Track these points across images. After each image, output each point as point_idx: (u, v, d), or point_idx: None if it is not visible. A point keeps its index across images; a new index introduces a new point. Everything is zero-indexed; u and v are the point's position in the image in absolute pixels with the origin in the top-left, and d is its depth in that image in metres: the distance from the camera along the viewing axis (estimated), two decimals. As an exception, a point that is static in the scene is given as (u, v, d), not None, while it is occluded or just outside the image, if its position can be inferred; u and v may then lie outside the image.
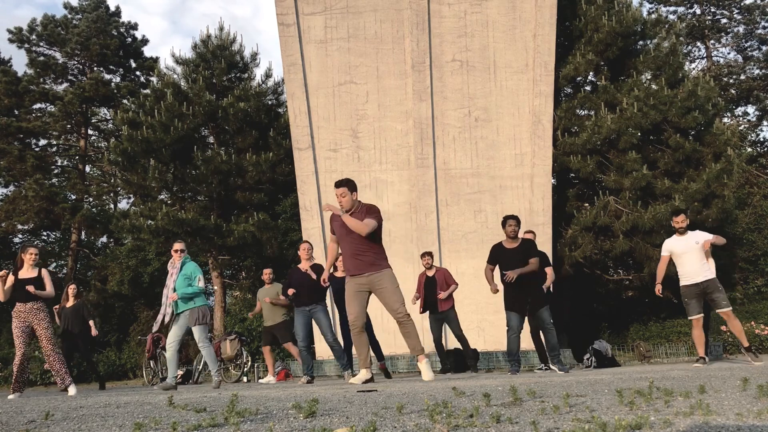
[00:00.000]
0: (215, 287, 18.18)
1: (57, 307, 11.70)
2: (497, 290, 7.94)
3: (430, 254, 10.28)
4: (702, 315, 8.14)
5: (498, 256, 8.03)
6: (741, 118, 26.52)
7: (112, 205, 27.01)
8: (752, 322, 15.56)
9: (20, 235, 26.01)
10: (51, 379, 16.11)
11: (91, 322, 11.74)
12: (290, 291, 8.41)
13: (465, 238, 13.44)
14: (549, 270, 9.06)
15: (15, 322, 7.98)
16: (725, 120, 23.35)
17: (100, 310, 19.94)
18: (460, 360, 10.91)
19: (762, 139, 26.75)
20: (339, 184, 6.47)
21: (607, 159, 15.06)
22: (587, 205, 15.37)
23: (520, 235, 8.34)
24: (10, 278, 8.01)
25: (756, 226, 18.99)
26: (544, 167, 13.64)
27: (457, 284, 10.11)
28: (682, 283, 8.16)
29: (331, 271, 8.59)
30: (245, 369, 12.97)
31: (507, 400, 3.25)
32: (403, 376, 11.65)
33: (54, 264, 27.94)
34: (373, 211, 6.45)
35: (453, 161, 13.75)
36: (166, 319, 8.28)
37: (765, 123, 26.45)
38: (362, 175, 13.78)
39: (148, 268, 20.02)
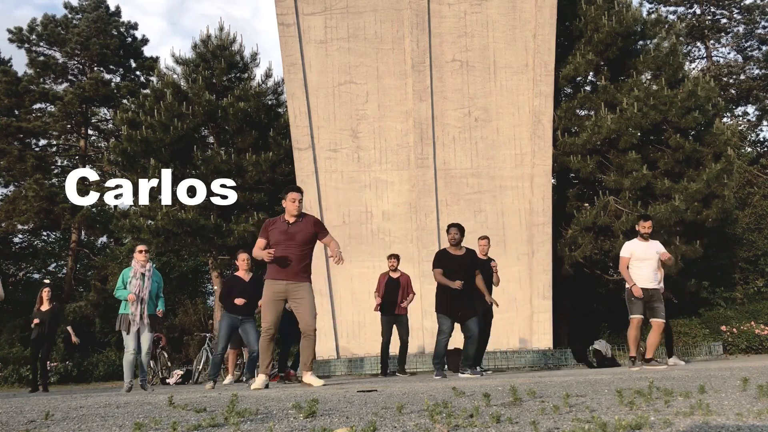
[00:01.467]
0: (215, 287, 18.17)
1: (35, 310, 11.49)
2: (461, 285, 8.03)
3: (396, 257, 10.77)
4: (642, 317, 8.29)
5: (445, 261, 8.26)
6: (741, 118, 26.51)
7: (112, 205, 26.97)
8: (752, 322, 15.57)
9: (20, 235, 26.02)
10: (51, 380, 16.08)
11: (69, 329, 11.80)
12: (239, 300, 8.48)
13: (465, 238, 13.42)
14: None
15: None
16: (725, 120, 23.33)
17: (100, 310, 19.92)
18: (455, 361, 10.96)
19: (762, 139, 26.76)
20: (298, 189, 6.75)
21: (607, 159, 15.05)
22: (587, 205, 15.37)
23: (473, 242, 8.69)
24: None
25: (756, 226, 18.99)
26: (544, 167, 13.64)
27: (414, 293, 10.67)
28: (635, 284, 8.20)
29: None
30: (245, 369, 12.97)
31: (507, 400, 3.25)
32: (403, 376, 11.65)
33: (54, 264, 27.95)
34: (322, 224, 6.87)
35: (453, 161, 13.75)
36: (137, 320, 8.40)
37: (765, 123, 26.45)
38: (362, 175, 13.78)
39: (148, 268, 20.00)
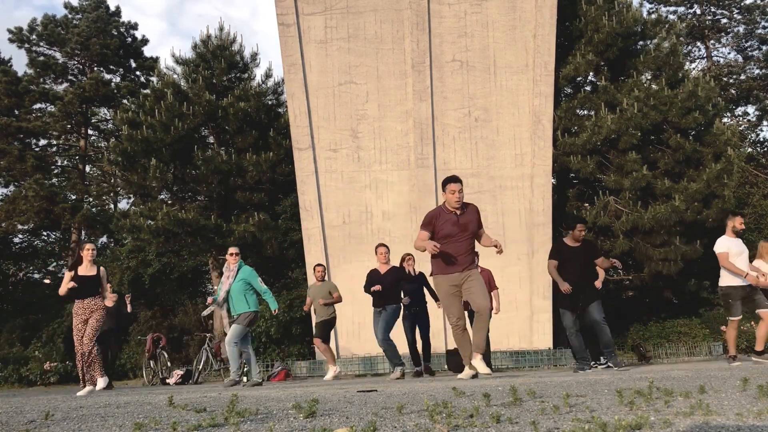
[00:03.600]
0: (215, 287, 18.16)
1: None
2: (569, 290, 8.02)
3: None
4: (741, 317, 8.39)
5: (562, 253, 8.25)
6: (741, 118, 26.51)
7: (112, 205, 27.00)
8: (752, 323, 15.55)
9: (20, 235, 26.01)
10: (51, 379, 16.11)
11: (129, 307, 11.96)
12: (376, 287, 8.87)
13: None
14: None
15: (74, 319, 8.11)
16: (725, 120, 23.34)
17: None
18: (455, 361, 10.95)
19: (762, 139, 26.75)
20: (458, 179, 6.50)
21: (607, 159, 15.05)
22: (587, 205, 15.37)
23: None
24: (69, 274, 8.21)
25: (756, 226, 18.98)
26: (544, 167, 13.64)
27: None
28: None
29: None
30: (245, 369, 12.97)
31: (507, 400, 3.25)
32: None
33: (54, 264, 27.94)
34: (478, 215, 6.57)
35: (453, 161, 13.74)
36: (209, 311, 8.89)
37: (765, 123, 26.45)
38: (362, 175, 13.78)
39: (148, 269, 20.01)
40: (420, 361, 9.84)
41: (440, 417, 2.51)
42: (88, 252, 8.21)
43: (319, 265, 10.69)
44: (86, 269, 8.17)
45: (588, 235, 14.64)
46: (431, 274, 6.59)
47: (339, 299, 10.33)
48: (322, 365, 12.86)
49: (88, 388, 7.97)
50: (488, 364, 9.59)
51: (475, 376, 6.31)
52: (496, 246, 6.26)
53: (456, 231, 6.31)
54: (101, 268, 8.31)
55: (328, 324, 10.37)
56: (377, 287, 8.86)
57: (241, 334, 8.53)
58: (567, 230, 8.58)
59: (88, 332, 7.98)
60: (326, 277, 10.79)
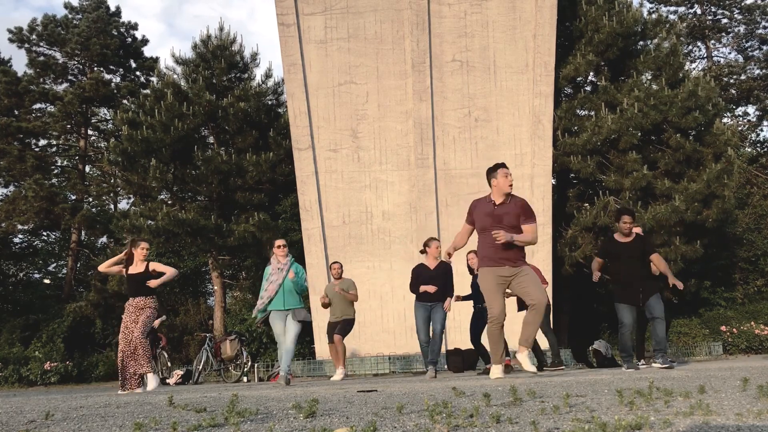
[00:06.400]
0: (215, 287, 18.18)
1: None
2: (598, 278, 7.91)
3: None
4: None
5: (611, 249, 8.10)
6: (741, 118, 26.51)
7: (112, 205, 26.99)
8: (752, 323, 15.57)
9: (20, 235, 26.01)
10: (51, 379, 16.12)
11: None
12: (431, 288, 8.34)
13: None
14: None
15: (124, 317, 7.90)
16: (725, 120, 23.33)
17: (100, 310, 19.93)
18: (455, 361, 10.96)
19: (762, 139, 26.74)
20: (506, 165, 6.19)
21: (608, 159, 15.05)
22: (587, 205, 15.37)
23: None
24: (118, 267, 8.03)
25: (756, 226, 18.98)
26: (544, 167, 13.64)
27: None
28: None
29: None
30: (245, 369, 12.98)
31: (507, 400, 3.25)
32: (404, 376, 11.66)
33: (54, 264, 27.94)
34: (529, 211, 6.09)
35: (453, 161, 13.75)
36: (262, 318, 8.24)
37: (765, 123, 26.44)
38: (362, 175, 13.78)
39: (148, 269, 20.00)
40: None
41: (440, 417, 2.51)
42: (142, 251, 7.98)
43: (335, 262, 10.47)
44: (136, 267, 8.00)
45: (588, 236, 14.70)
46: (477, 268, 6.29)
47: (355, 298, 10.18)
48: (322, 365, 12.87)
49: (138, 389, 7.72)
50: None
51: (508, 370, 6.11)
52: (517, 241, 5.92)
53: (489, 223, 5.98)
54: (149, 264, 8.05)
55: (350, 324, 10.21)
56: (429, 288, 8.36)
57: (299, 331, 8.27)
58: (615, 223, 8.42)
59: (139, 327, 7.78)
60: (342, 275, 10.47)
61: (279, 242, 8.25)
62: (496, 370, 6.10)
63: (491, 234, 5.87)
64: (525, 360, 6.04)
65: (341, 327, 10.11)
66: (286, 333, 8.02)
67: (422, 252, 8.87)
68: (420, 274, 8.58)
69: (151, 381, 7.84)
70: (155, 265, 8.13)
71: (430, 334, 8.65)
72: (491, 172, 6.14)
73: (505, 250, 5.96)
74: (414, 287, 8.60)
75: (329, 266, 10.38)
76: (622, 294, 7.83)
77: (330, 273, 10.40)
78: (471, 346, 10.20)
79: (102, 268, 8.10)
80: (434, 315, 8.49)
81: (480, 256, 6.18)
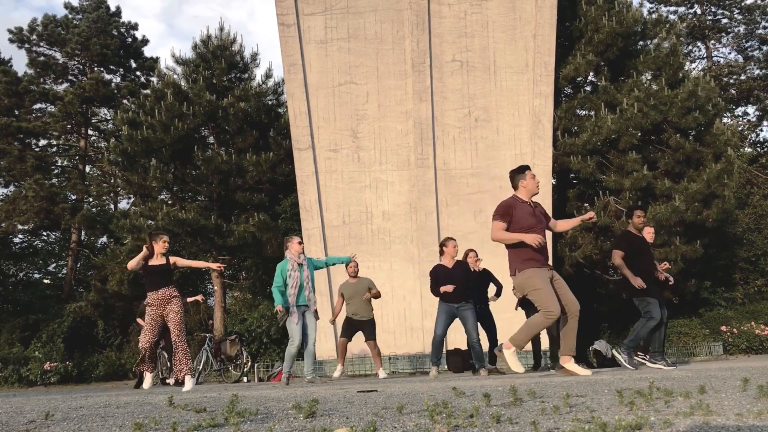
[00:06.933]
0: (215, 287, 18.17)
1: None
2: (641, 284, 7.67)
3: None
4: None
5: (630, 243, 7.97)
6: (741, 118, 26.51)
7: (112, 205, 26.99)
8: (752, 323, 15.56)
9: (20, 235, 26.01)
10: (51, 379, 16.11)
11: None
12: (449, 287, 8.23)
13: (465, 238, 13.43)
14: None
15: (148, 311, 7.79)
16: (725, 120, 23.33)
17: (101, 310, 19.93)
18: (455, 360, 10.96)
19: (762, 139, 26.75)
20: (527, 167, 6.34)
21: (608, 159, 15.05)
22: (587, 205, 15.37)
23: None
24: (136, 260, 7.88)
25: (756, 226, 18.98)
26: (544, 167, 13.64)
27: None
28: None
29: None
30: (245, 369, 12.97)
31: (507, 400, 3.25)
32: (404, 376, 11.67)
33: (54, 264, 27.94)
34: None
35: (453, 161, 13.75)
36: (284, 319, 8.26)
37: (765, 123, 26.44)
38: (362, 175, 13.78)
39: (148, 269, 20.00)
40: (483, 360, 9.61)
41: (440, 417, 2.51)
42: (164, 243, 7.84)
43: (352, 260, 10.24)
44: (157, 259, 7.85)
45: (588, 236, 14.70)
46: (516, 270, 6.14)
47: (378, 294, 10.14)
48: (322, 365, 12.86)
49: (150, 375, 7.78)
50: (494, 363, 9.56)
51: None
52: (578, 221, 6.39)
53: (534, 222, 6.04)
54: (170, 257, 7.96)
55: (375, 324, 10.21)
56: (448, 287, 8.24)
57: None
58: (627, 220, 8.35)
59: (176, 324, 7.65)
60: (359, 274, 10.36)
61: (297, 238, 8.35)
62: (574, 366, 6.06)
63: (537, 235, 5.91)
64: (513, 358, 6.03)
65: (370, 331, 10.04)
66: (307, 334, 8.19)
67: (440, 253, 8.81)
68: (439, 275, 8.49)
69: (188, 383, 7.77)
70: (176, 259, 8.04)
71: (466, 342, 8.60)
72: (518, 173, 6.19)
73: (543, 252, 6.08)
74: (434, 289, 8.48)
75: (345, 265, 10.21)
76: (653, 289, 7.74)
77: (347, 271, 10.33)
78: None
79: (131, 265, 7.91)
80: (465, 323, 8.33)
81: (522, 258, 6.06)
